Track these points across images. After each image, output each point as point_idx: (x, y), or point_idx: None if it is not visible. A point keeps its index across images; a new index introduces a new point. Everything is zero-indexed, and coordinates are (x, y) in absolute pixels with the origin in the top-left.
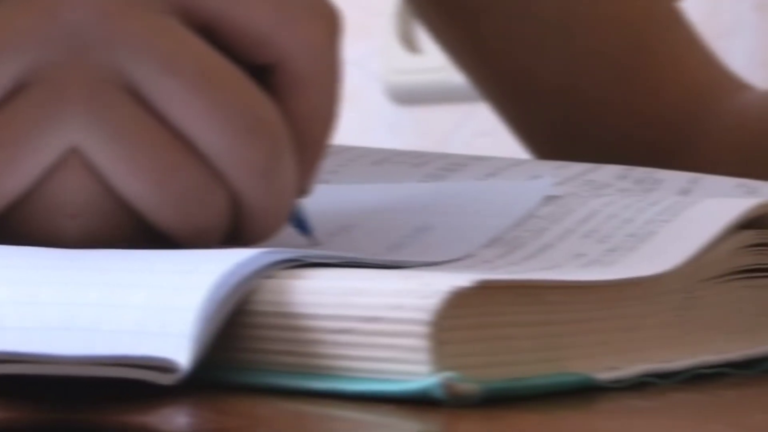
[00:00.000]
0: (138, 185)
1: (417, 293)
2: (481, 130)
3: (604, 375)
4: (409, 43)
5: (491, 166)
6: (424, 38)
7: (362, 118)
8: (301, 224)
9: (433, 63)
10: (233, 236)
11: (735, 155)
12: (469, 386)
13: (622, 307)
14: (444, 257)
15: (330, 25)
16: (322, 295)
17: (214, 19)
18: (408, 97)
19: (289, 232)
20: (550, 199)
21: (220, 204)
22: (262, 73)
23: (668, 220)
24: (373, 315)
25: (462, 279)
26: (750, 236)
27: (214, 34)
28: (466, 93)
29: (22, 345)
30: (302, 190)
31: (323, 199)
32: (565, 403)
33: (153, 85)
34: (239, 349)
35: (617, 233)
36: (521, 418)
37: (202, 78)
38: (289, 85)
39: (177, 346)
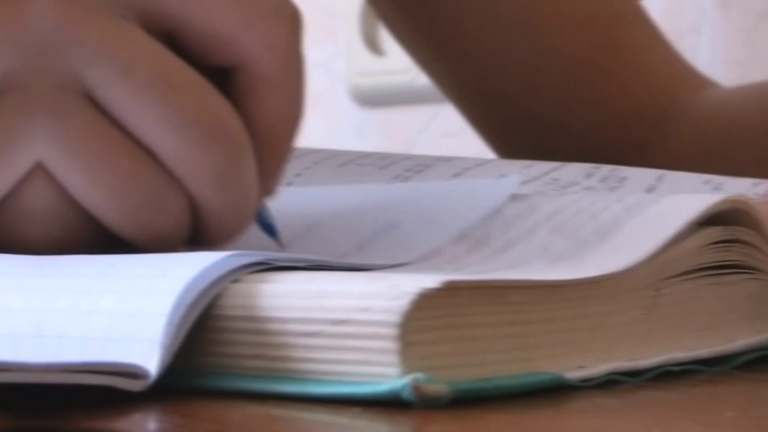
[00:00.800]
0: (95, 193)
1: (385, 295)
2: (447, 131)
3: (573, 374)
4: (373, 46)
5: (457, 167)
6: (388, 40)
7: (327, 121)
8: (266, 227)
9: (398, 65)
10: (194, 241)
11: (700, 151)
12: (438, 387)
13: (589, 306)
14: (412, 255)
15: (292, 25)
16: (290, 298)
17: (176, 23)
18: (373, 99)
19: (253, 234)
20: (516, 197)
21: (179, 210)
22: (225, 76)
23: (634, 215)
24: (341, 318)
25: (429, 280)
26: (715, 233)
27: (177, 38)
28: (431, 94)
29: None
30: (267, 191)
31: (290, 200)
32: (535, 402)
33: (110, 91)
34: (208, 353)
35: (583, 228)
36: (491, 419)
37: (160, 83)
38: (251, 87)
39: (146, 352)
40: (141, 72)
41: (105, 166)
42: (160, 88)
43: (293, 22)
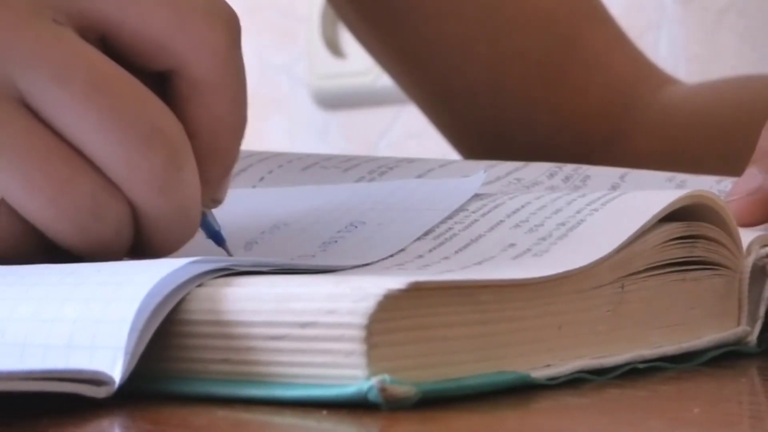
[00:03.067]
0: (33, 200)
1: (350, 297)
2: (409, 133)
3: (540, 373)
4: (334, 48)
5: (421, 168)
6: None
7: (289, 124)
8: (213, 234)
9: (359, 67)
10: (138, 250)
11: (663, 148)
12: (405, 389)
13: (555, 304)
14: (376, 255)
15: (229, 28)
16: (256, 302)
17: (110, 27)
18: (334, 101)
19: (201, 242)
20: (479, 196)
21: (119, 217)
22: (164, 81)
23: (597, 209)
24: (307, 320)
25: (395, 282)
26: (678, 228)
27: (112, 43)
28: (392, 96)
29: None
30: (213, 200)
31: (254, 201)
32: (503, 402)
33: (44, 97)
34: (175, 358)
35: (547, 223)
36: (458, 419)
37: (95, 88)
38: (190, 92)
39: (109, 358)
40: (75, 77)
41: (41, 174)
42: (95, 92)
43: (229, 25)
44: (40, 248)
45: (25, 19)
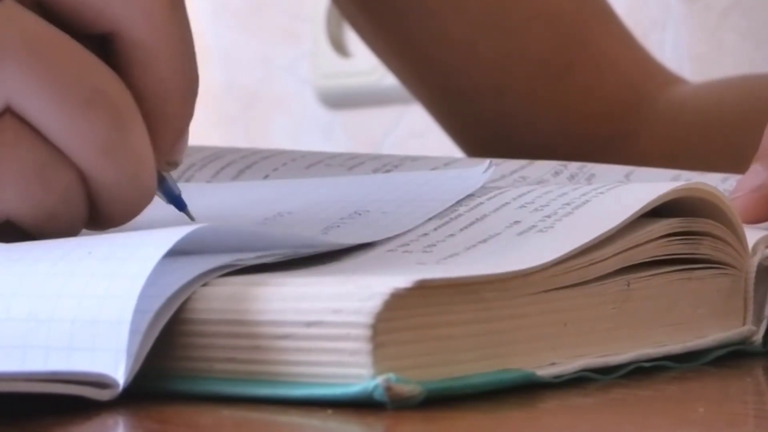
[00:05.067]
0: None
1: (356, 296)
2: (414, 132)
3: (545, 371)
4: (339, 47)
5: (425, 165)
6: (354, 42)
7: (294, 123)
8: (173, 199)
9: (364, 66)
10: (95, 220)
11: (669, 147)
12: (410, 387)
13: (559, 300)
14: (380, 235)
15: None
16: (262, 301)
17: None
18: (339, 100)
19: (162, 209)
20: (485, 188)
21: (65, 184)
22: (109, 46)
23: (603, 193)
24: (313, 320)
25: (400, 280)
26: (681, 223)
27: (50, 7)
28: (397, 95)
29: None
30: (168, 163)
31: (259, 192)
32: (507, 401)
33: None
34: (179, 357)
35: (552, 203)
36: (463, 418)
37: (30, 50)
38: (129, 55)
39: (111, 360)
40: (11, 40)
41: None
42: (30, 55)
43: None
44: None
45: None
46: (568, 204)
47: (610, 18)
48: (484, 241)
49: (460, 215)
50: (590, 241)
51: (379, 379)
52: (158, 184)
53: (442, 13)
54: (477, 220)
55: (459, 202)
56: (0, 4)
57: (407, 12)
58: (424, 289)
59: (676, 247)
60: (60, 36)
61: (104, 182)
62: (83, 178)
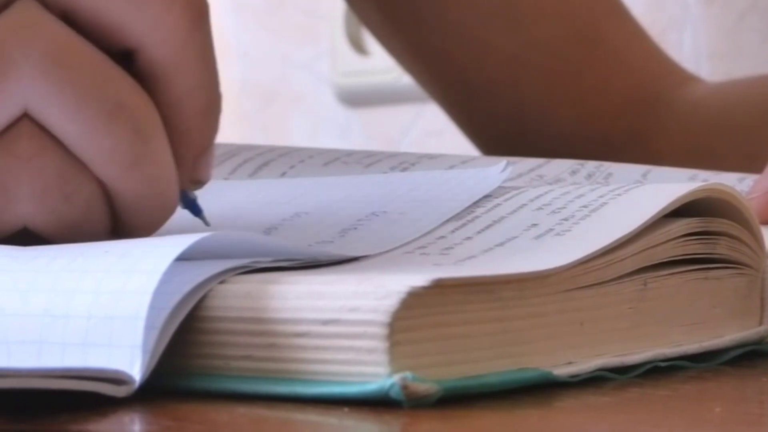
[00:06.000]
0: None
1: (373, 295)
2: (431, 131)
3: (562, 370)
4: (357, 45)
5: (442, 164)
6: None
7: (312, 121)
8: (189, 204)
9: (382, 64)
10: (117, 231)
11: (685, 147)
12: (427, 386)
13: (576, 299)
14: (397, 241)
15: (189, 10)
16: (278, 299)
17: (68, 4)
18: (357, 99)
19: (178, 214)
20: (502, 187)
21: (87, 196)
22: (130, 61)
23: (620, 195)
24: (330, 318)
25: (417, 279)
26: (698, 223)
27: (75, 21)
28: (415, 93)
29: None
30: (193, 181)
31: (276, 191)
32: (524, 399)
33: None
34: (195, 355)
35: (570, 206)
36: (480, 417)
37: (54, 59)
38: (152, 71)
39: (128, 357)
40: (35, 46)
41: (4, 150)
42: (54, 64)
43: (189, 7)
44: (15, 231)
45: None
46: (585, 206)
47: (624, 17)
48: (501, 244)
49: (477, 217)
50: (607, 245)
51: (396, 378)
52: (180, 197)
53: (456, 8)
54: (494, 222)
55: (476, 203)
56: (26, 10)
57: (421, 8)
58: (440, 287)
59: (693, 247)
60: (85, 47)
61: (126, 195)
62: (105, 191)
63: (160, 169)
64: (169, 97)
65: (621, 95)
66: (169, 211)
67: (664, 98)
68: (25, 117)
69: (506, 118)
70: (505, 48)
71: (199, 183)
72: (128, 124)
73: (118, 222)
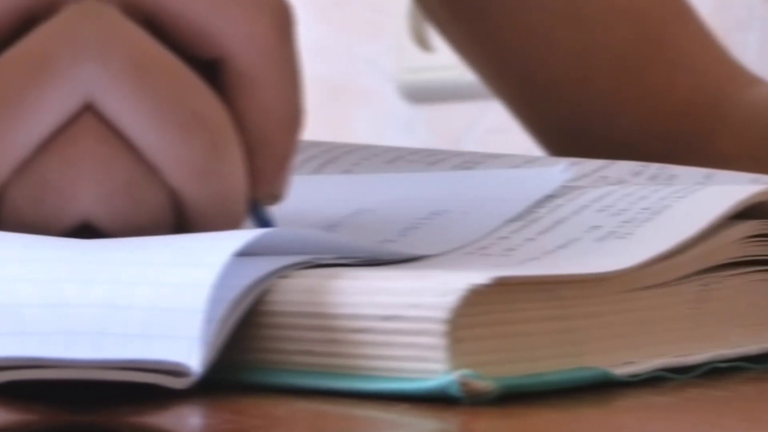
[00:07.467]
0: (68, 179)
1: (434, 291)
2: (494, 128)
3: (621, 370)
4: (422, 41)
5: (506, 163)
6: (437, 36)
7: (375, 117)
8: (263, 224)
9: (446, 61)
10: None
11: (749, 150)
12: (486, 383)
13: (637, 300)
14: (458, 242)
15: (277, 19)
16: (340, 294)
17: (155, 11)
18: (421, 95)
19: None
20: (565, 188)
21: (156, 203)
22: (216, 71)
23: (683, 197)
24: (390, 314)
25: (478, 276)
26: (759, 225)
27: (157, 27)
28: (479, 90)
29: (40, 350)
30: (271, 196)
31: (339, 187)
32: (582, 398)
33: (90, 74)
34: (256, 349)
35: (632, 207)
36: (538, 415)
37: (135, 66)
38: (234, 83)
39: (187, 348)
40: (114, 52)
41: (77, 152)
42: (135, 71)
43: (277, 18)
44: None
45: None
46: (647, 209)
47: (689, 17)
48: (563, 246)
49: (539, 217)
50: (668, 249)
51: (456, 375)
52: (252, 210)
53: (522, 6)
54: (556, 223)
55: (538, 203)
56: (107, 15)
57: (488, 5)
58: (502, 285)
59: (754, 249)
60: (166, 55)
61: (195, 205)
62: (174, 199)
63: (231, 183)
64: (252, 109)
65: (685, 96)
66: (235, 226)
67: (728, 101)
68: (97, 118)
69: (571, 117)
70: (572, 46)
71: (276, 198)
72: (204, 136)
73: (182, 230)
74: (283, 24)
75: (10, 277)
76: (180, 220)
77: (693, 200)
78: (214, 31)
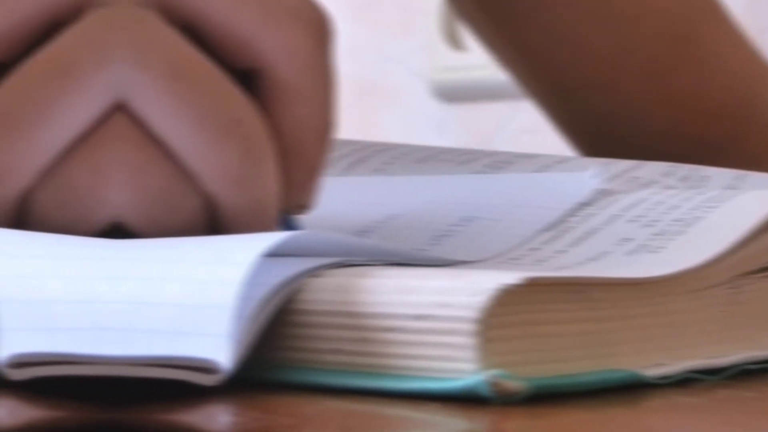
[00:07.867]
0: (104, 184)
1: (465, 291)
2: (526, 128)
3: (651, 371)
4: (453, 41)
5: (537, 164)
6: (469, 35)
7: (407, 116)
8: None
9: (478, 60)
10: None
11: None
12: (516, 384)
13: (668, 303)
14: (490, 252)
15: (316, 30)
16: (370, 293)
17: (194, 17)
18: (453, 94)
19: None
20: (597, 192)
21: (191, 209)
22: (253, 80)
23: (715, 207)
24: (421, 313)
25: (509, 277)
26: None
27: (198, 35)
28: (510, 90)
29: (70, 346)
30: (299, 205)
31: (370, 190)
32: (612, 399)
33: (121, 78)
34: (286, 347)
35: (663, 218)
36: (569, 415)
37: (173, 72)
38: (272, 92)
39: (215, 345)
40: (154, 59)
41: (108, 156)
42: (173, 77)
43: (318, 27)
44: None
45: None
46: (679, 220)
47: (721, 18)
48: (594, 259)
49: (570, 227)
50: (700, 263)
51: (486, 375)
52: (282, 219)
53: (554, 6)
54: (587, 234)
55: (570, 212)
56: (147, 21)
57: (520, 4)
58: (533, 286)
59: None
60: (203, 61)
61: (229, 211)
62: (208, 205)
63: (265, 190)
64: (287, 119)
65: (717, 96)
66: (267, 231)
67: (759, 102)
68: (130, 123)
69: (602, 118)
70: (602, 47)
71: (305, 208)
72: (241, 144)
73: (215, 235)
74: (321, 35)
75: (40, 273)
76: (213, 225)
77: (724, 211)
78: (254, 42)
